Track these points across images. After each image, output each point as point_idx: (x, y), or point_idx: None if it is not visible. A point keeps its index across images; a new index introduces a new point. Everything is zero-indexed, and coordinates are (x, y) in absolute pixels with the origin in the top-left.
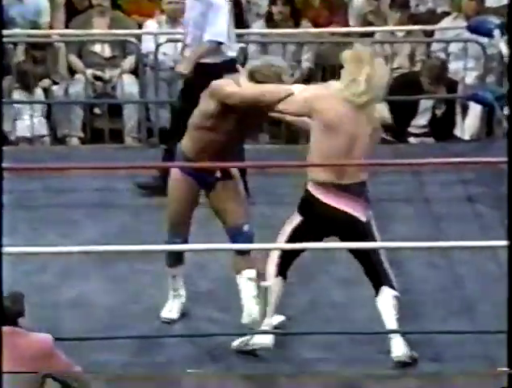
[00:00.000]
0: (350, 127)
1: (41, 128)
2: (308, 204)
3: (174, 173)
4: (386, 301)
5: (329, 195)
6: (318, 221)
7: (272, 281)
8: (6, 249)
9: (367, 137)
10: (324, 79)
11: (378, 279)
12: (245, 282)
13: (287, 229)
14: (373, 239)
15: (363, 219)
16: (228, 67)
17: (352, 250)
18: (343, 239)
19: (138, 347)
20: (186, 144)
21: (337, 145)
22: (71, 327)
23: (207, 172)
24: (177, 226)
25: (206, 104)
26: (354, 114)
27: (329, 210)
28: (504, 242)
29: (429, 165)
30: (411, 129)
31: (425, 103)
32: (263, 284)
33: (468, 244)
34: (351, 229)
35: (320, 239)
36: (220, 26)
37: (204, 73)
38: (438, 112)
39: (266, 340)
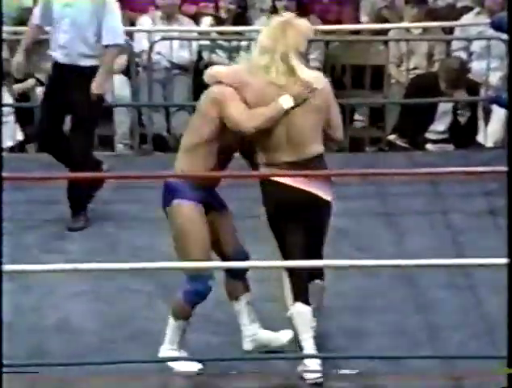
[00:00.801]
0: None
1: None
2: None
3: (180, 205)
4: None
5: (296, 178)
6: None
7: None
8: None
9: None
10: (333, 80)
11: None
12: (245, 307)
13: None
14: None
15: (330, 199)
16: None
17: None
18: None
19: (128, 374)
20: (189, 167)
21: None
22: (56, 353)
23: (213, 196)
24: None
25: (206, 112)
26: (279, 92)
27: (299, 193)
28: (504, 260)
29: (448, 174)
30: (429, 135)
31: (444, 107)
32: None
33: (490, 262)
34: (320, 211)
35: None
36: (118, 26)
37: (83, 77)
38: (462, 119)
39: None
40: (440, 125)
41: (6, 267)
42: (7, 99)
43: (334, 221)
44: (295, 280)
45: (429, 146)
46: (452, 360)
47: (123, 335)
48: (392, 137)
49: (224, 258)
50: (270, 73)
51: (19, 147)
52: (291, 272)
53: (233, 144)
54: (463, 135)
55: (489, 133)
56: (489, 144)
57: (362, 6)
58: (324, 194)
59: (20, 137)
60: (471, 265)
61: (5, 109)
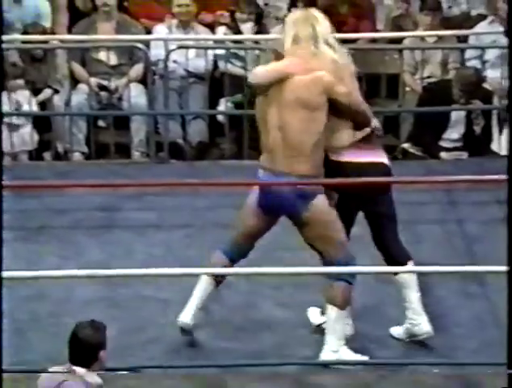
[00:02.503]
0: None
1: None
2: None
3: (322, 199)
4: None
5: (361, 152)
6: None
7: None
8: (1, 273)
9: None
10: None
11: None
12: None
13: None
14: None
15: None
16: None
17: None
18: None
19: (142, 380)
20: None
21: None
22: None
23: None
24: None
25: (318, 104)
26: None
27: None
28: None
29: (462, 182)
30: (443, 143)
31: (457, 115)
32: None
33: (504, 269)
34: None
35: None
36: None
37: None
38: (477, 128)
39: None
40: (454, 133)
41: (5, 274)
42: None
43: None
44: None
45: (443, 155)
46: (467, 366)
47: (138, 341)
48: (406, 146)
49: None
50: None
51: (36, 154)
52: None
53: None
54: (477, 143)
55: (504, 141)
56: (504, 152)
57: (378, 16)
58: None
59: (36, 144)
60: (478, 272)
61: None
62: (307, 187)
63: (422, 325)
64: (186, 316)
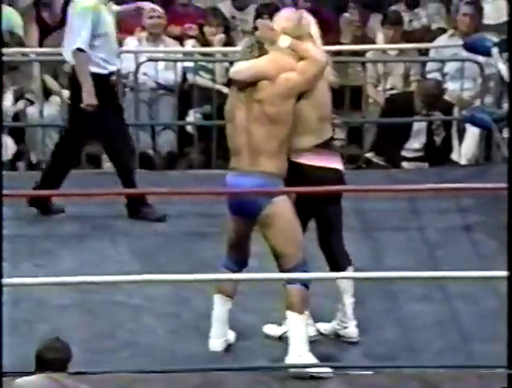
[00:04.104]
0: None
1: None
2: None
3: (284, 199)
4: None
5: (319, 156)
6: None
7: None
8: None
9: None
10: None
11: None
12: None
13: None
14: None
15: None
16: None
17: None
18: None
19: (115, 385)
20: (279, 167)
21: None
22: None
23: None
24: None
25: (284, 115)
26: None
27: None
28: (503, 273)
29: (424, 191)
30: (404, 153)
31: (419, 125)
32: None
33: (465, 275)
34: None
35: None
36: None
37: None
38: (438, 139)
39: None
40: (415, 143)
41: (5, 281)
42: None
43: (314, 237)
44: None
45: (405, 164)
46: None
47: (110, 346)
48: (369, 155)
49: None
50: None
51: (10, 165)
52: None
53: None
54: (437, 153)
55: (463, 151)
56: (463, 161)
57: (342, 31)
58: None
59: (12, 151)
60: (462, 278)
61: None
62: (269, 184)
63: (350, 329)
64: (216, 344)
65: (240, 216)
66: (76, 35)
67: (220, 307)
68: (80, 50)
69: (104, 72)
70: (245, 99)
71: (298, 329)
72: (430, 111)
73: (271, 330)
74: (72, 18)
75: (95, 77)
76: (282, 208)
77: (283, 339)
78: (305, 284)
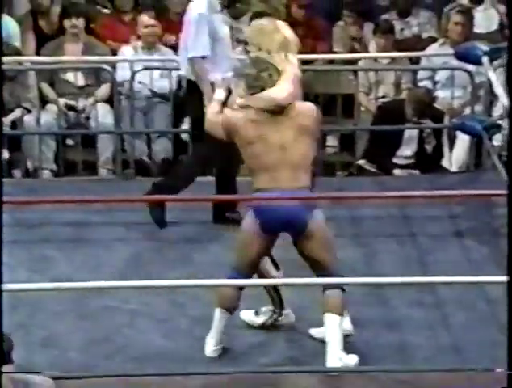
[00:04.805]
0: None
1: None
2: None
3: (319, 211)
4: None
5: None
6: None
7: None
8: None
9: None
10: None
11: None
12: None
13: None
14: None
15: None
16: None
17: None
18: None
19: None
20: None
21: None
22: (42, 368)
23: None
24: None
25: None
26: None
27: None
28: (493, 278)
29: (415, 198)
30: (396, 160)
31: (410, 133)
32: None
33: (456, 280)
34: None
35: None
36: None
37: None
38: (429, 147)
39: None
40: (406, 151)
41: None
42: None
43: None
44: None
45: (396, 171)
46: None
47: (106, 350)
48: (361, 162)
49: None
50: None
51: (7, 172)
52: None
53: None
54: (428, 160)
55: (454, 158)
56: (454, 168)
57: (334, 40)
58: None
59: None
60: (453, 283)
61: None
62: (309, 199)
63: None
64: (213, 350)
65: (275, 232)
66: (194, 42)
67: (221, 321)
68: (199, 57)
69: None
70: (280, 120)
71: (337, 331)
72: (420, 118)
73: (247, 316)
74: (188, 25)
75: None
76: (321, 220)
77: (265, 327)
78: (343, 288)
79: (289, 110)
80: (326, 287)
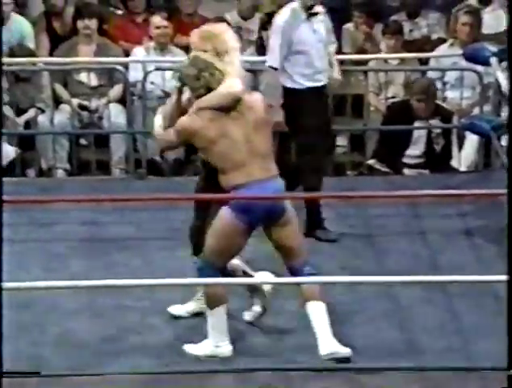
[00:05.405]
0: None
1: None
2: None
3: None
4: None
5: None
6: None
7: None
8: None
9: None
10: None
11: None
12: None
13: None
14: None
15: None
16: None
17: None
18: None
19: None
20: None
21: None
22: (55, 366)
23: None
24: None
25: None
26: None
27: None
28: (502, 277)
29: (425, 197)
30: (405, 160)
31: (419, 133)
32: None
33: (466, 278)
34: None
35: None
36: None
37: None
38: (437, 147)
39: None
40: (416, 150)
41: (6, 285)
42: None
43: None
44: None
45: (406, 171)
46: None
47: (120, 348)
48: (371, 162)
49: None
50: None
51: (21, 172)
52: None
53: None
54: (438, 160)
55: (463, 158)
56: (463, 168)
57: (344, 40)
58: None
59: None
60: (463, 282)
61: None
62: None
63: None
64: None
65: (257, 225)
66: (269, 52)
67: (225, 316)
68: (271, 68)
69: (300, 87)
70: (237, 115)
71: (324, 318)
72: (427, 109)
73: (176, 310)
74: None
75: (291, 92)
76: (293, 209)
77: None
78: (316, 272)
79: (242, 104)
80: (302, 274)
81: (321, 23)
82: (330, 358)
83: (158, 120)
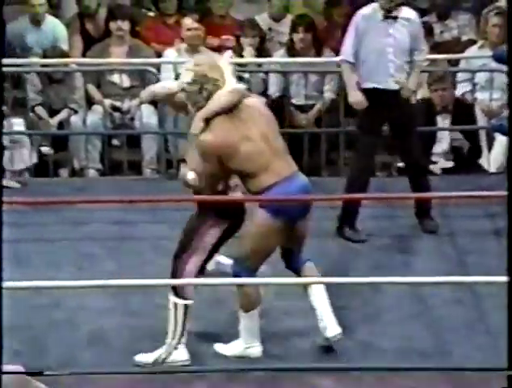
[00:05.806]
0: None
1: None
2: None
3: None
4: None
5: None
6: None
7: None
8: (9, 283)
9: None
10: (346, 110)
11: None
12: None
13: None
14: None
15: None
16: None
17: None
18: None
19: (155, 384)
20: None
21: None
22: (86, 365)
23: None
24: None
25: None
26: None
27: None
28: (503, 278)
29: (454, 198)
30: (434, 159)
31: (443, 132)
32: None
33: (494, 279)
34: None
35: None
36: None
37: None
38: (464, 150)
39: (185, 356)
40: (439, 148)
41: (25, 284)
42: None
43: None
44: None
45: (432, 167)
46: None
47: (151, 347)
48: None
49: None
50: None
51: (54, 172)
52: None
53: None
54: (466, 162)
55: (492, 159)
56: (492, 169)
57: None
58: None
59: (35, 159)
60: (475, 282)
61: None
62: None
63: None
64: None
65: (294, 222)
66: (342, 47)
67: (258, 319)
68: (343, 61)
69: (364, 86)
70: (245, 117)
71: (325, 300)
72: (445, 98)
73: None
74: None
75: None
76: None
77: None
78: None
79: (247, 105)
80: (301, 261)
81: (403, 28)
82: (338, 339)
83: (191, 175)
